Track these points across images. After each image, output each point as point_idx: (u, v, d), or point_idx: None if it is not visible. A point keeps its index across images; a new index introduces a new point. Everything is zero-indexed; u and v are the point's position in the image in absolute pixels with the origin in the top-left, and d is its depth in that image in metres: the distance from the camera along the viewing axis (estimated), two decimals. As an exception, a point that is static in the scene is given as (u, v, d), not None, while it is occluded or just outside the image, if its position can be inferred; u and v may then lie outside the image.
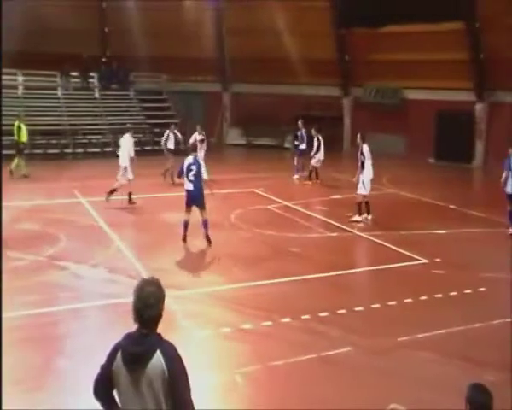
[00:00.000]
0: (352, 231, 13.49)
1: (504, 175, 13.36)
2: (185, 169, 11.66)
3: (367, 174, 14.04)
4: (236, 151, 28.01)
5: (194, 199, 11.70)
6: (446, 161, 23.48)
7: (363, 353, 7.60)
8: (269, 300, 9.31)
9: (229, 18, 27.67)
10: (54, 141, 24.53)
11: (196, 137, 18.63)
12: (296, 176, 19.46)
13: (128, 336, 3.56)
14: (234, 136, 29.46)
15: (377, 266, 11.05)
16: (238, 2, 26.63)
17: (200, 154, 16.50)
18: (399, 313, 8.90)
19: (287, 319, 8.43)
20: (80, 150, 24.88)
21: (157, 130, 25.75)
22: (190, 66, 27.18)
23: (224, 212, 14.59)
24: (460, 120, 23.63)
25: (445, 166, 23.14)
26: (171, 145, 19.24)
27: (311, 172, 19.09)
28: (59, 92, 26.66)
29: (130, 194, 15.35)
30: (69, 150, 24.71)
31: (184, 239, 11.92)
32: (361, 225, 13.87)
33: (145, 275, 10.10)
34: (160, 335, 3.55)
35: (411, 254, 11.60)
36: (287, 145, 27.67)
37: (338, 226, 13.79)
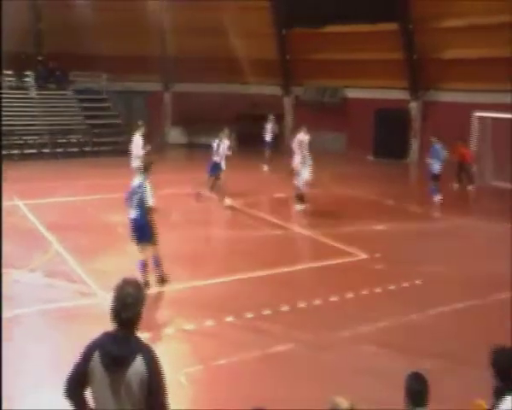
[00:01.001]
0: (295, 228, 13.68)
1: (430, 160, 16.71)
2: (130, 193, 9.46)
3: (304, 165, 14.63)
4: (179, 151, 27.82)
5: (140, 230, 9.37)
6: (384, 157, 24.13)
7: (306, 348, 7.73)
8: (212, 299, 9.32)
9: (170, 17, 27.42)
10: (-13, 142, 23.67)
11: (226, 143, 16.57)
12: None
13: (107, 337, 3.48)
14: (176, 135, 29.24)
15: (319, 263, 11.25)
16: (179, 1, 26.44)
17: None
18: (341, 308, 9.10)
19: (230, 318, 8.47)
20: (16, 151, 24.10)
21: (96, 130, 25.30)
22: (131, 65, 26.76)
23: (167, 212, 14.47)
24: (396, 118, 24.33)
25: (382, 163, 23.75)
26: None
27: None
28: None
29: None
30: (4, 152, 23.89)
31: (147, 284, 9.10)
32: (304, 222, 14.07)
33: (86, 278, 9.93)
34: (139, 338, 3.51)
35: (352, 250, 11.87)
36: (230, 144, 27.68)
37: (281, 224, 13.94)
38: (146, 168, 9.65)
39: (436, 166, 16.66)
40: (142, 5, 26.88)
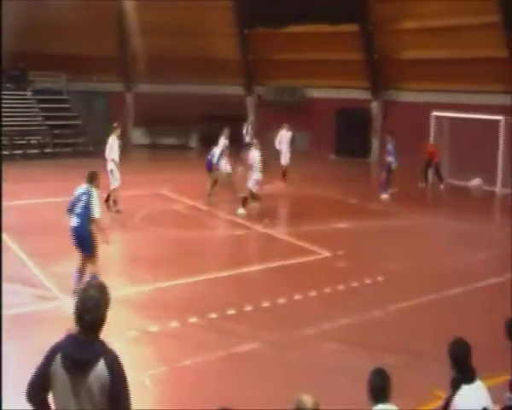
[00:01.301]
0: (257, 228, 13.74)
1: (388, 158, 17.26)
2: (73, 200, 8.94)
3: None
4: (141, 152, 27.56)
5: (79, 239, 8.91)
6: (346, 156, 24.43)
7: (271, 347, 7.78)
8: (176, 300, 9.29)
9: (132, 16, 27.12)
10: None
11: (225, 143, 16.93)
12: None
13: (70, 340, 3.44)
14: (138, 136, 28.97)
15: (282, 262, 11.33)
16: (142, 1, 26.19)
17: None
18: (305, 306, 9.19)
19: (194, 319, 8.45)
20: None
21: (56, 132, 24.86)
22: (92, 65, 26.39)
23: (129, 213, 14.36)
24: (358, 118, 24.68)
25: (344, 162, 24.04)
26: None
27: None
28: None
29: (114, 201, 14.60)
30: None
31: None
32: (267, 221, 14.12)
33: (47, 282, 9.76)
34: (103, 342, 3.47)
35: (315, 249, 11.99)
36: (191, 145, 27.64)
37: (243, 224, 13.98)
38: (91, 178, 9.06)
39: (393, 163, 17.31)
40: (103, 4, 26.52)
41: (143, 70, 27.28)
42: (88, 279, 8.53)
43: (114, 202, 14.60)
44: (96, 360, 3.36)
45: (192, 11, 25.66)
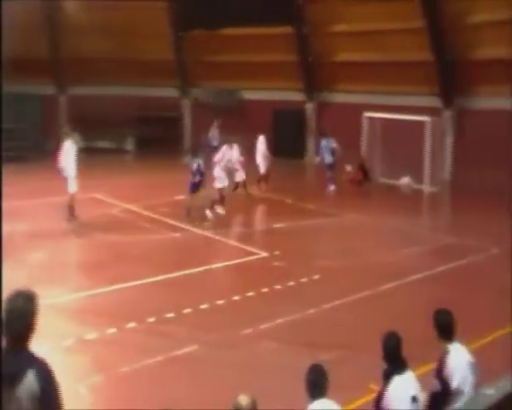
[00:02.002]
0: (195, 230, 13.71)
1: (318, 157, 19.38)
2: None
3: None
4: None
5: None
6: (282, 157, 24.65)
7: (209, 349, 7.81)
8: (113, 306, 9.17)
9: (64, 16, 26.37)
10: None
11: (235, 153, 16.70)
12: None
13: None
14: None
15: (221, 263, 11.40)
16: (74, 1, 25.54)
17: None
18: (243, 306, 9.28)
19: (132, 324, 8.37)
20: None
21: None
22: (22, 66, 25.48)
23: (62, 219, 14.01)
24: (293, 119, 24.98)
25: (281, 163, 24.23)
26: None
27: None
28: None
29: (71, 208, 14.00)
30: None
31: None
32: (204, 223, 14.11)
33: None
34: (32, 352, 3.36)
35: (252, 249, 12.11)
36: (127, 148, 27.23)
37: (181, 227, 13.92)
38: None
39: (328, 159, 18.70)
40: (33, 4, 25.68)
41: (76, 72, 26.65)
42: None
43: (71, 209, 14.06)
44: (25, 372, 3.27)
45: (126, 12, 25.26)
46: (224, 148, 15.75)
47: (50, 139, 27.49)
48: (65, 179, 14.07)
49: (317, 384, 4.38)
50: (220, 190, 14.74)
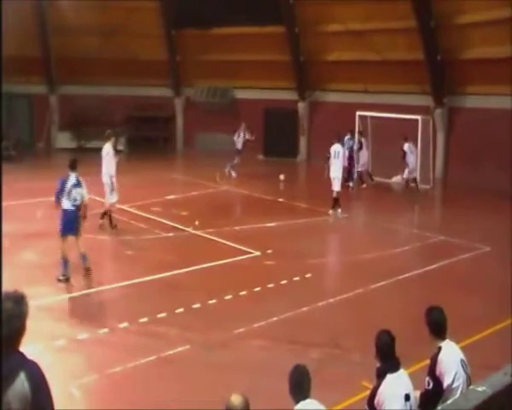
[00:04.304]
0: (188, 229, 13.68)
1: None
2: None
3: None
4: (66, 156, 26.63)
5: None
6: (274, 156, 24.71)
7: (200, 349, 7.80)
8: (105, 306, 9.16)
9: (56, 16, 26.22)
10: None
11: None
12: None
13: None
14: (63, 140, 28.05)
15: (213, 263, 11.36)
16: (65, 1, 25.39)
17: None
18: (235, 306, 9.27)
19: (124, 324, 8.35)
20: None
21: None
22: (13, 65, 25.31)
23: (54, 219, 13.91)
24: (285, 118, 25.01)
25: (273, 162, 24.30)
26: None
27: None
28: None
29: (110, 217, 13.53)
30: None
31: None
32: (197, 222, 14.08)
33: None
34: (22, 354, 3.33)
35: (245, 248, 12.10)
36: (119, 147, 27.10)
37: (173, 226, 13.89)
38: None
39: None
40: (24, 3, 25.51)
41: (68, 71, 26.53)
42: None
43: (110, 218, 13.55)
44: (15, 375, 3.24)
45: (119, 11, 25.19)
46: None
47: (40, 139, 27.48)
48: (105, 187, 13.56)
49: (299, 385, 4.35)
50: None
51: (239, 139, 20.77)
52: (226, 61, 24.80)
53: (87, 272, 9.99)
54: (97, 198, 15.68)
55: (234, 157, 20.56)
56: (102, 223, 13.56)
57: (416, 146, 19.02)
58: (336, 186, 15.33)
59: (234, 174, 20.46)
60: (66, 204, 10.21)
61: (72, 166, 10.50)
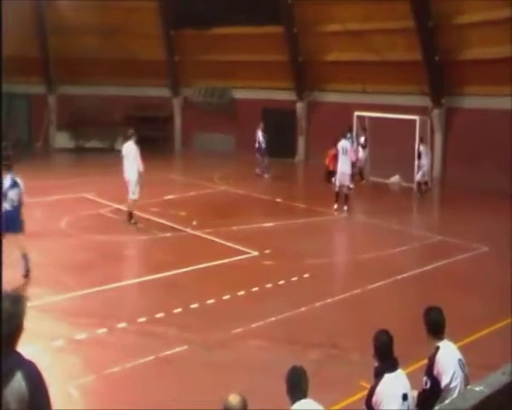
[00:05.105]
0: (186, 230, 13.67)
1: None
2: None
3: None
4: (65, 156, 26.74)
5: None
6: (272, 156, 24.67)
7: (198, 349, 7.79)
8: (103, 306, 9.13)
9: (55, 16, 26.20)
10: None
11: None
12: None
13: None
14: (62, 140, 28.05)
15: (211, 263, 11.35)
16: (65, 1, 25.37)
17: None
18: (233, 306, 9.26)
19: (122, 324, 8.34)
20: None
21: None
22: (11, 65, 25.27)
23: (53, 219, 13.93)
24: (284, 118, 24.98)
25: (271, 162, 24.29)
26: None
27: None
28: None
29: (130, 214, 13.76)
30: None
31: None
32: (195, 223, 14.08)
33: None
34: (19, 354, 3.32)
35: (243, 248, 12.09)
36: (118, 147, 27.10)
37: (171, 226, 13.89)
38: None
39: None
40: (23, 3, 25.48)
41: (66, 71, 26.52)
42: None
43: (130, 214, 13.81)
44: (12, 375, 3.24)
45: (117, 11, 25.18)
46: None
47: (38, 139, 27.45)
48: (128, 184, 13.74)
49: (296, 385, 4.36)
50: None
51: (263, 139, 21.09)
52: (224, 61, 24.81)
53: (26, 273, 9.80)
54: (93, 198, 15.68)
55: (262, 158, 21.00)
56: (136, 222, 13.73)
57: (430, 149, 19.02)
58: (347, 181, 15.42)
59: (266, 175, 20.92)
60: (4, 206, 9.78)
61: (8, 167, 10.09)
